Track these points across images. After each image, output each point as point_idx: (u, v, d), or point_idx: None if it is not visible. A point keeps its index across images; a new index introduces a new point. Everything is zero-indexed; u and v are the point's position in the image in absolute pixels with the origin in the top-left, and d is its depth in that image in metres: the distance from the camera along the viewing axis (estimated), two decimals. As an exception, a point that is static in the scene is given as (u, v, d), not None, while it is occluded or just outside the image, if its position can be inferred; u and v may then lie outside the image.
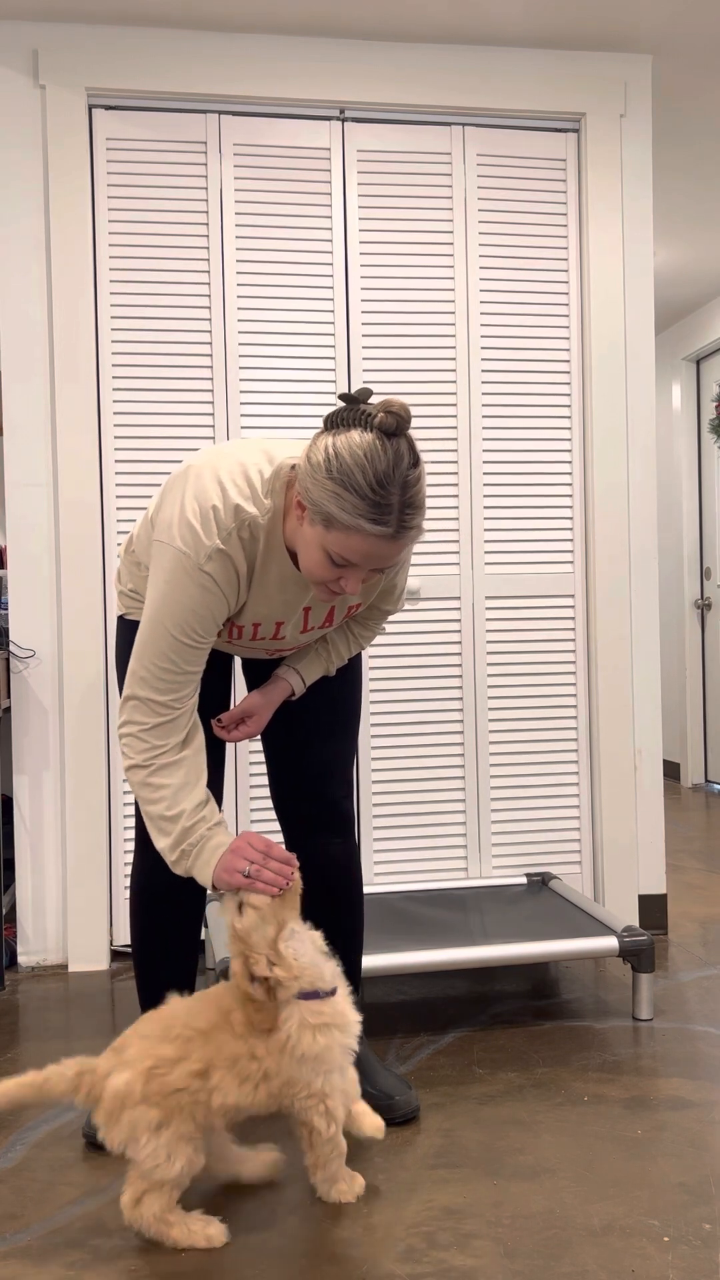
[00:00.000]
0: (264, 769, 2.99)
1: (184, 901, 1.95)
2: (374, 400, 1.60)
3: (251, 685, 2.07)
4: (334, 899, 2.02)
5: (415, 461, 1.55)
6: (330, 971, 1.68)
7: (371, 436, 1.53)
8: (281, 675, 1.94)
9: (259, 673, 2.05)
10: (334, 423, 1.57)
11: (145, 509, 1.79)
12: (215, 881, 1.67)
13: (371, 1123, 1.74)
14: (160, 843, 1.70)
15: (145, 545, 1.83)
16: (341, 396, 1.59)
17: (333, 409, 1.61)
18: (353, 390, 1.57)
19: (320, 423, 2.99)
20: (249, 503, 1.65)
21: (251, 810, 2.99)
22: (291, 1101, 1.63)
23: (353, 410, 1.56)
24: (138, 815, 1.94)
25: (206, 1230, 1.59)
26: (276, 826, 2.97)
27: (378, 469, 1.51)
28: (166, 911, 1.94)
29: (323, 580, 1.63)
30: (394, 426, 1.53)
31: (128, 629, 1.91)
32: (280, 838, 2.98)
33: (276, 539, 1.70)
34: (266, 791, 2.98)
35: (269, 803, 2.96)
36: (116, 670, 1.95)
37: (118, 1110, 1.56)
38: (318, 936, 1.70)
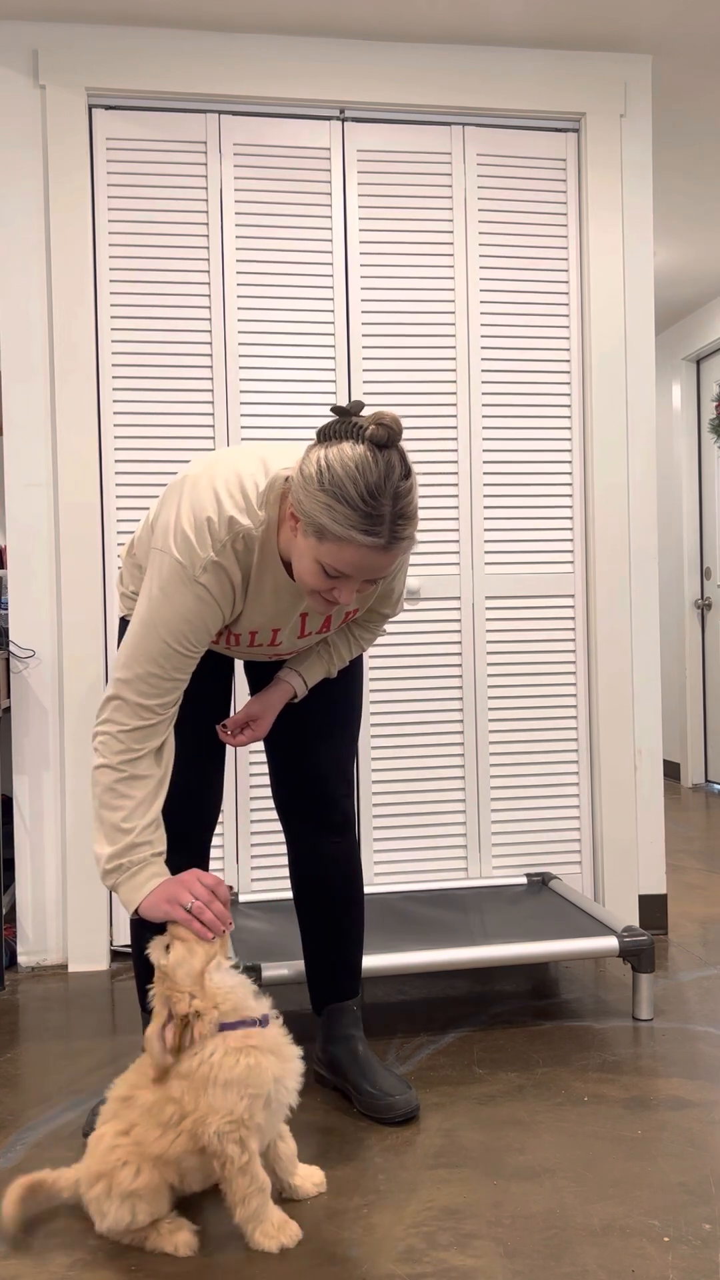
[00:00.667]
0: (264, 768, 2.98)
1: (193, 845, 1.95)
2: (366, 413, 1.60)
3: (254, 686, 2.07)
4: (335, 899, 2.02)
5: (406, 473, 1.56)
6: (261, 1004, 1.64)
7: (363, 448, 1.53)
8: (283, 678, 1.94)
9: (261, 674, 2.05)
10: (326, 435, 1.58)
11: (147, 511, 1.79)
12: (146, 909, 1.66)
13: (313, 1181, 1.73)
14: (100, 848, 1.69)
15: (145, 549, 1.83)
16: (334, 409, 1.60)
17: (326, 421, 1.61)
18: (347, 402, 1.58)
19: (319, 423, 2.99)
20: (243, 515, 1.65)
21: (252, 810, 2.99)
22: (203, 1135, 1.54)
23: (344, 422, 1.57)
24: None
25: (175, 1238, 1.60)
26: (276, 826, 2.97)
27: (369, 480, 1.52)
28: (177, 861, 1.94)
29: (316, 590, 1.63)
30: (385, 439, 1.53)
31: (124, 628, 1.91)
32: (281, 836, 2.98)
33: (271, 549, 1.70)
34: (266, 791, 2.98)
35: (268, 802, 2.96)
36: None
37: (87, 1200, 1.61)
38: (246, 980, 1.66)
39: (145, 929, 1.94)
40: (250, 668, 2.08)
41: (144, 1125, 1.58)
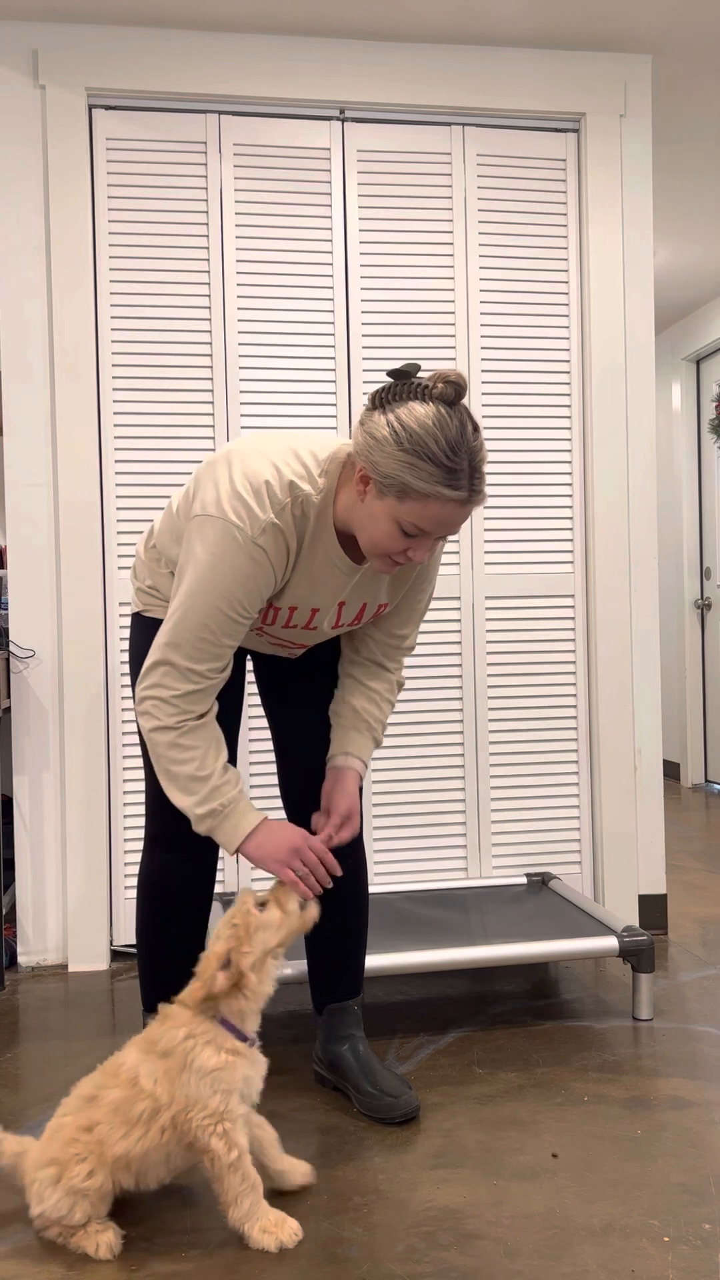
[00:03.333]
0: (264, 769, 2.98)
1: (192, 900, 1.95)
2: (422, 375, 1.63)
3: (265, 693, 2.07)
4: (341, 899, 2.03)
5: (476, 427, 1.60)
6: (254, 1023, 1.68)
7: (433, 406, 1.57)
8: (344, 765, 1.94)
9: (274, 676, 2.04)
10: (386, 399, 1.60)
11: (167, 500, 1.79)
12: (255, 854, 1.71)
13: (301, 1171, 1.73)
14: (183, 800, 1.71)
15: (170, 538, 1.83)
16: (390, 373, 1.62)
17: (381, 387, 1.64)
18: (402, 365, 1.62)
19: (319, 423, 2.99)
20: (304, 481, 1.68)
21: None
22: (189, 1131, 1.55)
23: (406, 384, 1.60)
24: (151, 814, 1.93)
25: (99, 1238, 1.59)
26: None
27: (449, 436, 1.56)
28: (174, 912, 1.94)
29: (389, 552, 1.66)
30: (453, 395, 1.58)
31: (145, 626, 1.91)
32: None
33: (326, 520, 1.72)
34: (266, 791, 2.98)
35: (268, 802, 2.96)
36: (130, 667, 1.95)
37: (30, 1178, 1.61)
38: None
39: (153, 918, 1.94)
40: (263, 673, 2.07)
41: (109, 1124, 1.58)
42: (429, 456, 1.55)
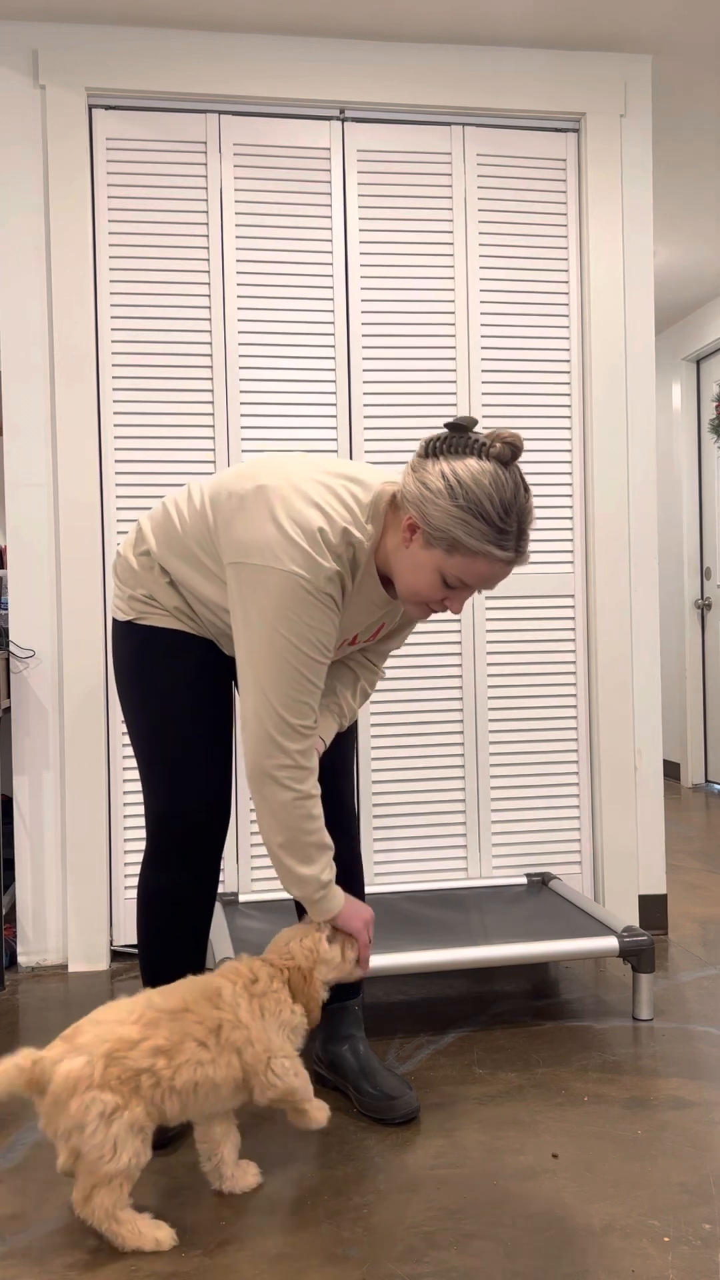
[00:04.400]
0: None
1: (197, 918, 1.95)
2: (480, 430, 1.66)
3: None
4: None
5: (528, 488, 1.63)
6: None
7: (491, 465, 1.58)
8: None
9: None
10: (441, 449, 1.62)
11: (171, 510, 1.77)
12: (346, 916, 1.82)
13: (252, 1173, 1.77)
14: (304, 870, 1.75)
15: (173, 553, 1.82)
16: (447, 424, 1.64)
17: (435, 435, 1.65)
18: (459, 417, 1.64)
19: (319, 423, 2.99)
20: (354, 527, 1.68)
21: (251, 811, 2.99)
22: (257, 1071, 1.67)
23: (463, 438, 1.62)
24: (153, 832, 1.92)
25: (155, 1234, 1.58)
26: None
27: (504, 497, 1.58)
28: (180, 928, 1.94)
29: (428, 600, 1.69)
30: (510, 456, 1.60)
31: (139, 634, 1.89)
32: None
33: (371, 563, 1.74)
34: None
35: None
36: (119, 677, 1.93)
37: (66, 1096, 1.53)
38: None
39: (157, 938, 1.95)
40: None
41: (197, 1046, 1.61)
42: (483, 515, 1.57)
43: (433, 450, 1.63)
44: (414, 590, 1.68)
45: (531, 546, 3.07)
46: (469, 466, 1.58)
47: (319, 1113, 1.78)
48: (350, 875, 2.06)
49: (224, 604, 1.81)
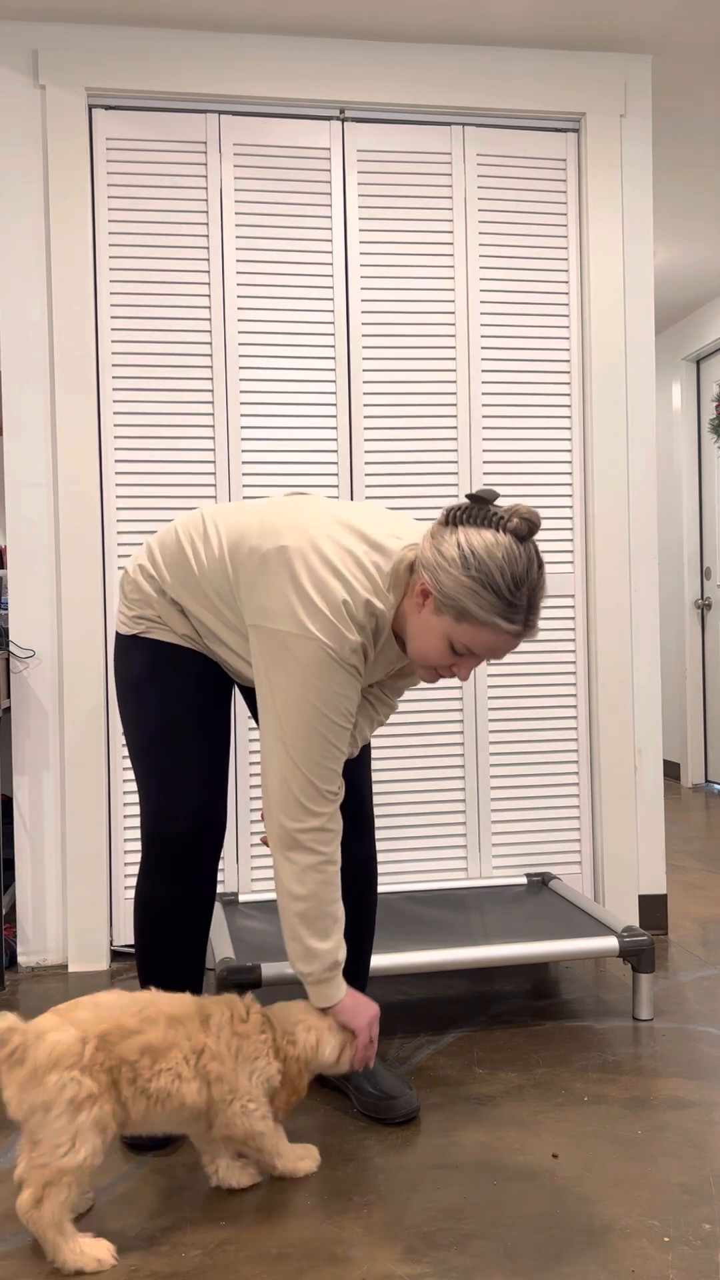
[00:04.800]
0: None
1: (196, 929, 1.95)
2: (500, 503, 1.67)
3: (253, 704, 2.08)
4: (358, 898, 2.04)
5: (541, 565, 1.65)
6: None
7: (507, 539, 1.61)
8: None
9: None
10: (460, 519, 1.64)
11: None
12: (348, 1008, 1.78)
13: (248, 1173, 1.77)
14: (319, 944, 1.74)
15: (190, 594, 1.83)
16: (469, 496, 1.66)
17: (455, 505, 1.67)
18: (479, 489, 1.69)
19: (319, 423, 2.99)
20: (377, 598, 1.70)
21: (252, 812, 2.99)
22: (223, 1110, 1.65)
23: (483, 509, 1.64)
24: (151, 842, 1.92)
25: (95, 1253, 1.54)
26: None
27: (515, 571, 1.60)
28: (178, 938, 1.94)
29: (436, 665, 1.70)
30: (526, 531, 1.63)
31: (135, 645, 1.90)
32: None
33: (389, 627, 1.76)
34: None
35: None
36: (118, 688, 1.94)
37: (45, 1070, 1.51)
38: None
39: (155, 950, 1.94)
40: (252, 698, 2.08)
41: (183, 1061, 1.61)
42: (493, 587, 1.60)
43: (452, 519, 1.65)
44: (423, 654, 1.70)
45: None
46: (484, 538, 1.61)
47: (300, 1163, 1.77)
48: (366, 876, 2.06)
49: (241, 651, 1.83)
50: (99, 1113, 1.53)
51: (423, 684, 3.04)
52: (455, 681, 3.06)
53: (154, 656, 1.88)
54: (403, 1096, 1.97)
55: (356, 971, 2.08)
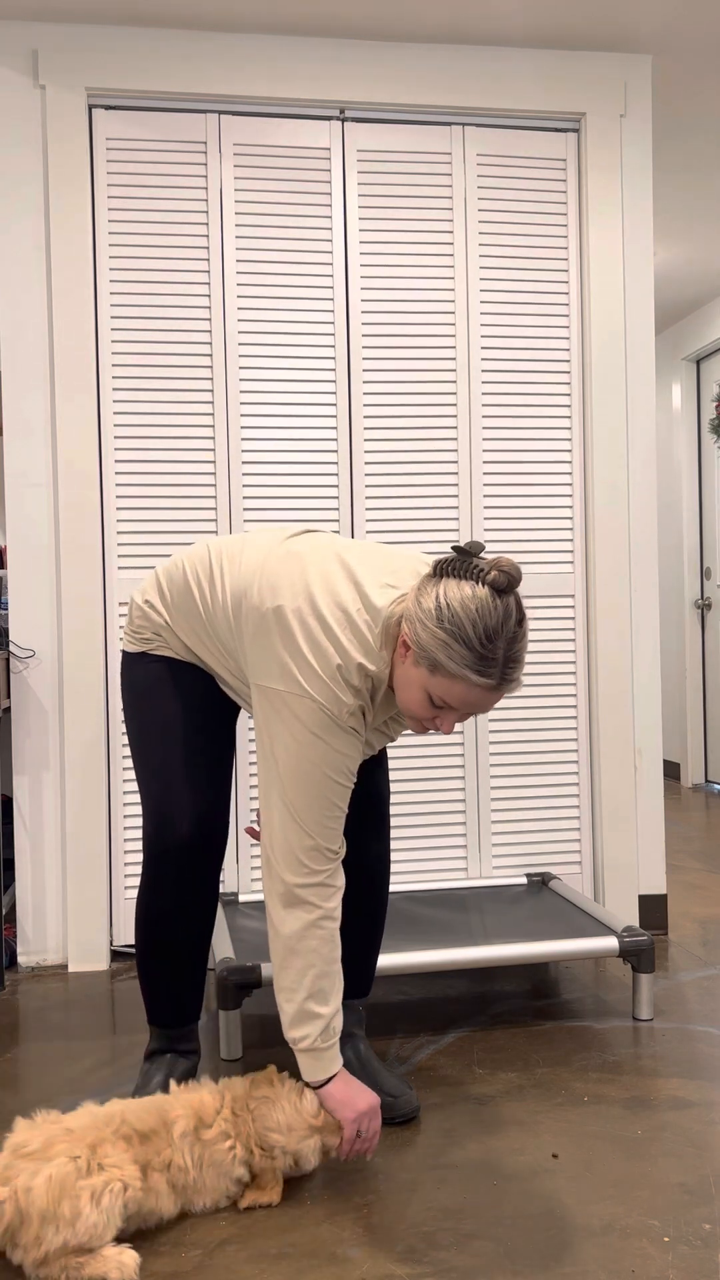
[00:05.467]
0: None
1: (197, 941, 1.95)
2: (486, 555, 1.64)
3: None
4: (373, 897, 2.04)
5: (521, 619, 1.62)
6: None
7: (485, 592, 1.59)
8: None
9: None
10: (445, 572, 1.63)
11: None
12: (337, 1094, 1.71)
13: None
14: (319, 1008, 1.70)
15: (197, 640, 1.85)
16: (454, 548, 1.65)
17: (444, 557, 1.66)
18: (466, 542, 1.68)
19: (319, 423, 2.99)
20: (369, 660, 1.69)
21: (252, 813, 2.99)
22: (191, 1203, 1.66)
23: (465, 562, 1.62)
24: (153, 856, 1.91)
25: (120, 1258, 1.52)
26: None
27: (488, 624, 1.58)
28: (180, 948, 1.93)
29: (419, 717, 1.69)
30: (505, 584, 1.60)
31: (141, 660, 1.92)
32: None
33: (385, 683, 1.75)
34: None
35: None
36: (124, 702, 1.95)
37: (56, 1201, 1.49)
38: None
39: (156, 960, 1.93)
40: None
41: (159, 1177, 1.62)
42: (463, 640, 1.57)
43: (438, 571, 1.65)
44: (406, 705, 1.69)
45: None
46: (461, 591, 1.59)
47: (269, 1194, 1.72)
48: (379, 874, 2.05)
49: (240, 691, 1.85)
50: (112, 1196, 1.53)
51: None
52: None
53: (159, 668, 1.91)
54: (403, 1096, 1.97)
55: (356, 978, 2.08)
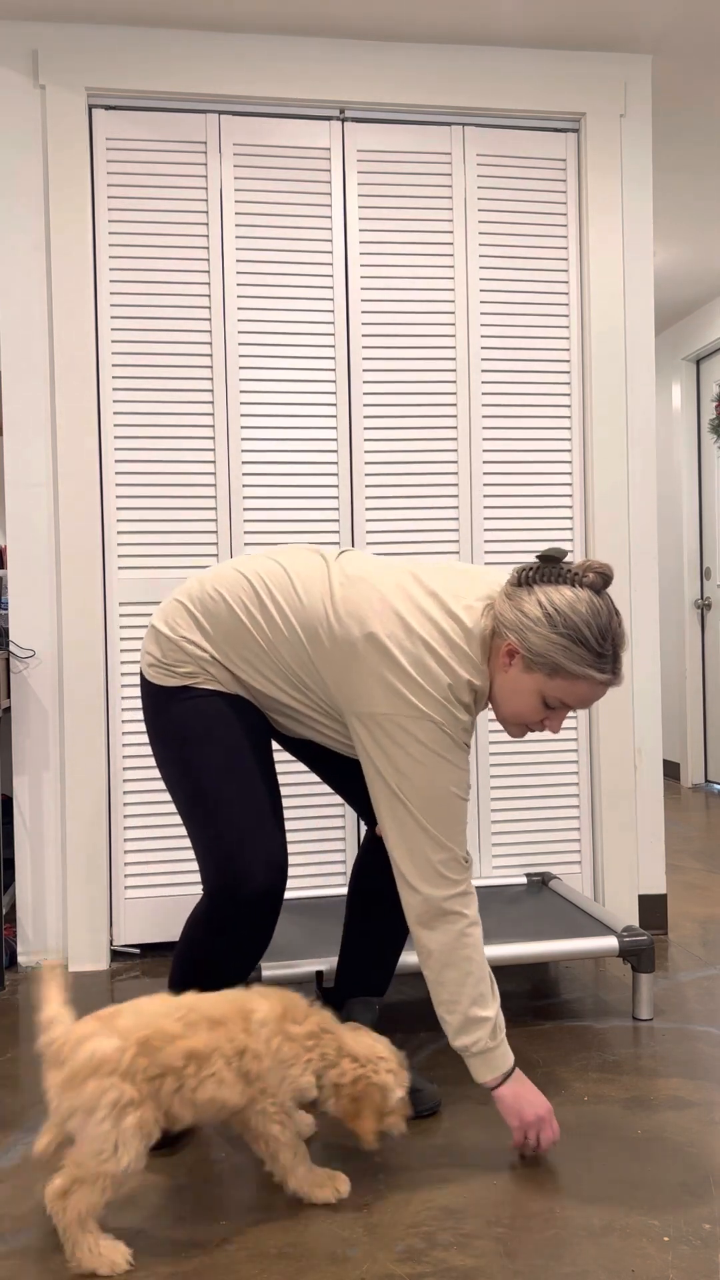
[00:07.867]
0: (284, 777, 2.98)
1: (248, 965, 1.88)
2: (570, 560, 1.70)
3: (325, 772, 2.08)
4: (399, 903, 2.03)
5: (619, 614, 1.72)
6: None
7: (586, 594, 1.69)
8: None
9: (303, 746, 2.06)
10: (534, 579, 1.70)
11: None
12: (513, 1104, 1.76)
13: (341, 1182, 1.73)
14: (480, 1011, 1.75)
15: (252, 669, 1.82)
16: (539, 556, 1.73)
17: (526, 566, 1.73)
18: (549, 549, 1.76)
19: (319, 424, 2.99)
20: (476, 675, 1.74)
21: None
22: (254, 1111, 1.63)
23: (555, 568, 1.71)
24: (214, 892, 1.81)
25: (112, 1256, 1.52)
26: (288, 828, 2.96)
27: (600, 624, 1.68)
28: (231, 976, 1.86)
29: (528, 722, 1.76)
30: (601, 585, 1.71)
31: (181, 696, 1.84)
32: (296, 839, 2.97)
33: (486, 695, 1.80)
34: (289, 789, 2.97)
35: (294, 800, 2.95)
36: (161, 742, 1.86)
37: (84, 1075, 1.51)
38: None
39: (200, 968, 1.86)
40: (290, 741, 2.07)
41: (225, 1065, 1.59)
42: (581, 641, 1.66)
43: (526, 580, 1.71)
44: (515, 712, 1.75)
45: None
46: (564, 595, 1.68)
47: (318, 1190, 1.69)
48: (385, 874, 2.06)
49: (306, 719, 1.84)
50: (141, 1116, 1.52)
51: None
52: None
53: (213, 703, 1.83)
54: (424, 1090, 1.99)
55: (375, 977, 2.07)
